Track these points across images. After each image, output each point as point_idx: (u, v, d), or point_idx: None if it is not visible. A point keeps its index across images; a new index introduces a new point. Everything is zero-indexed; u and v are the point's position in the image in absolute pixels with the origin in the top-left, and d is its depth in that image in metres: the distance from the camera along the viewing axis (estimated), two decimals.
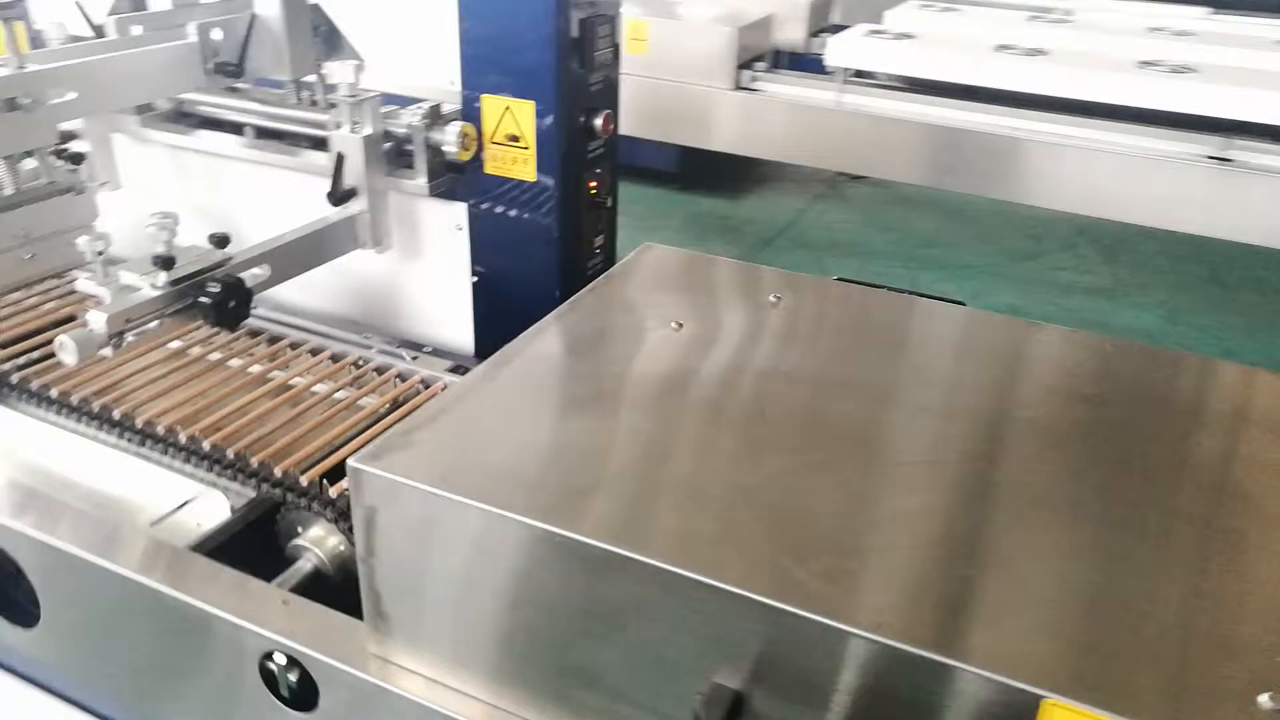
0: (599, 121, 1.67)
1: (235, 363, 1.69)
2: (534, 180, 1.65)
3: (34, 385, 1.53)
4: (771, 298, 1.33)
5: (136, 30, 1.77)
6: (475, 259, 1.76)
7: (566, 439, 1.03)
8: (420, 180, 1.62)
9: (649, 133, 3.86)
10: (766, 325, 1.27)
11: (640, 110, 3.90)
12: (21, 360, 1.62)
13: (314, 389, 1.63)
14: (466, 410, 1.07)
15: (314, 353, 1.73)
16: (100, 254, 1.34)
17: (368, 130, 1.59)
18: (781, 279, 1.41)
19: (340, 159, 1.58)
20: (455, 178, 1.69)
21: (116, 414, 1.45)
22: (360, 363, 1.71)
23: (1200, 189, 3.12)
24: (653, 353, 1.19)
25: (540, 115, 1.60)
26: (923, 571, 0.86)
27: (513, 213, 1.69)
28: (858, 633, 0.79)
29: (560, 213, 1.67)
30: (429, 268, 1.81)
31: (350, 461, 0.96)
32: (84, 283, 1.35)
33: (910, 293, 1.40)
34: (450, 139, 1.58)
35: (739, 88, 3.70)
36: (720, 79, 3.66)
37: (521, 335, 1.20)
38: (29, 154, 1.55)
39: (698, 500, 0.94)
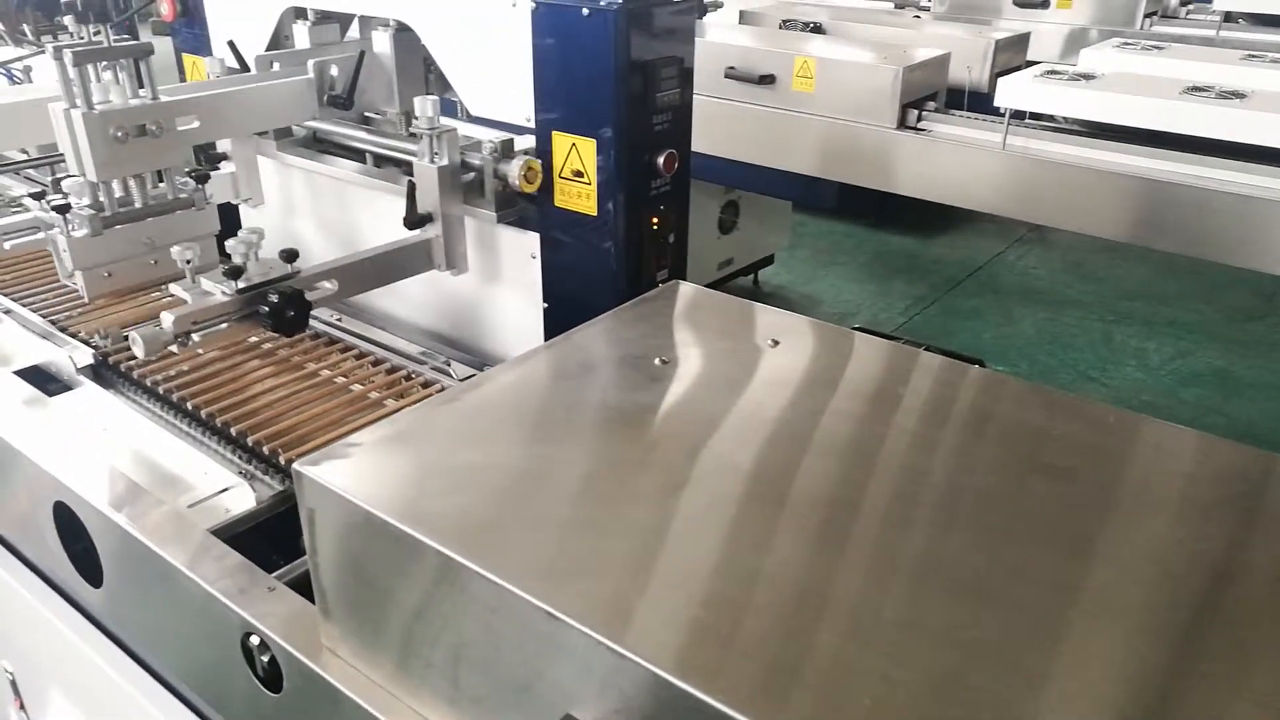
0: (661, 160, 1.71)
1: (340, 380, 1.84)
2: (596, 214, 1.71)
3: (135, 375, 1.77)
4: (769, 342, 1.32)
5: (275, 67, 1.98)
6: (546, 287, 1.84)
7: (491, 464, 1.08)
8: (489, 209, 1.73)
9: (812, 169, 3.84)
10: (749, 366, 1.26)
11: (804, 146, 3.89)
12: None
13: (385, 402, 1.76)
14: (413, 429, 1.14)
15: (395, 371, 1.87)
16: (189, 263, 1.53)
17: (444, 161, 1.71)
18: (797, 325, 1.39)
19: (412, 187, 1.71)
20: (527, 207, 1.78)
21: (189, 405, 1.66)
22: (429, 383, 1.83)
23: None
24: (621, 386, 1.21)
25: (601, 153, 1.66)
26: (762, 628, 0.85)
27: (578, 245, 1.76)
28: (681, 685, 0.79)
29: (619, 246, 1.72)
30: (507, 293, 1.91)
31: (294, 465, 1.06)
32: (174, 287, 1.54)
33: (928, 348, 1.34)
34: (514, 172, 1.67)
35: (904, 127, 3.61)
36: (884, 118, 3.59)
37: (503, 363, 1.26)
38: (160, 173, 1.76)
39: (586, 534, 0.96)
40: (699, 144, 4.23)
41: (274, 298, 1.50)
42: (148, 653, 1.49)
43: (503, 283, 1.90)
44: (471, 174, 1.77)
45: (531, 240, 1.82)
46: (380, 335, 2.00)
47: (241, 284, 1.51)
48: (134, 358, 1.85)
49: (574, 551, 0.95)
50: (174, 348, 1.46)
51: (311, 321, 2.00)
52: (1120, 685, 0.81)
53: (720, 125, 3.95)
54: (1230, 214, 3.08)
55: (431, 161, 1.72)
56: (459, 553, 0.93)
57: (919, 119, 3.61)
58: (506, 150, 1.72)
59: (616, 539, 0.96)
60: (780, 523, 0.98)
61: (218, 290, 1.51)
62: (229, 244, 1.56)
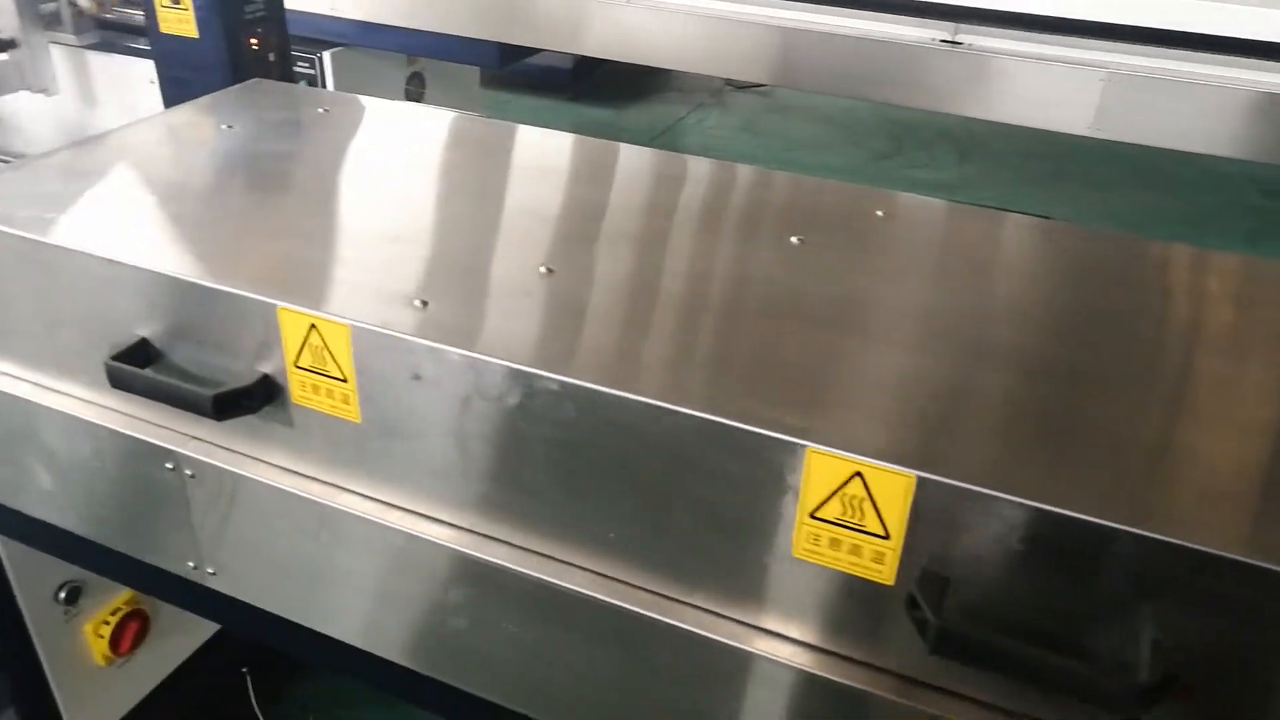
0: None
1: None
2: (199, 37, 2.01)
3: None
4: (320, 110, 1.70)
5: None
6: (167, 109, 2.12)
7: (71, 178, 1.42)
8: (69, 34, 2.00)
9: (469, 30, 4.17)
10: (299, 129, 1.65)
11: (466, 10, 4.21)
12: None
13: None
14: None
15: None
16: None
17: None
18: (359, 105, 1.78)
19: None
20: (129, 36, 2.06)
21: None
22: None
23: (936, 70, 3.47)
24: (187, 141, 1.57)
25: None
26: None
27: (187, 67, 2.05)
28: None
29: (224, 65, 2.03)
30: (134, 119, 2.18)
31: None
32: None
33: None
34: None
35: None
36: None
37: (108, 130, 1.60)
38: None
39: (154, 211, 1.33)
40: (379, 13, 4.45)
41: None
42: None
43: (127, 111, 2.17)
44: (54, 4, 2.02)
45: (147, 67, 2.09)
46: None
47: None
48: None
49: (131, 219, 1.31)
50: None
51: None
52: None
53: None
54: (844, 54, 3.69)
55: None
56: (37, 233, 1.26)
57: None
58: None
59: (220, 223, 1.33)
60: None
61: None
62: None
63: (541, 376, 1.00)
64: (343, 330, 1.10)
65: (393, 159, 1.55)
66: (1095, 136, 3.30)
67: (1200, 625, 0.80)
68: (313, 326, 1.12)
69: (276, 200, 1.40)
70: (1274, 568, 0.76)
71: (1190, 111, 3.25)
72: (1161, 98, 3.30)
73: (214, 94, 1.78)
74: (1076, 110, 3.30)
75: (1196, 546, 0.78)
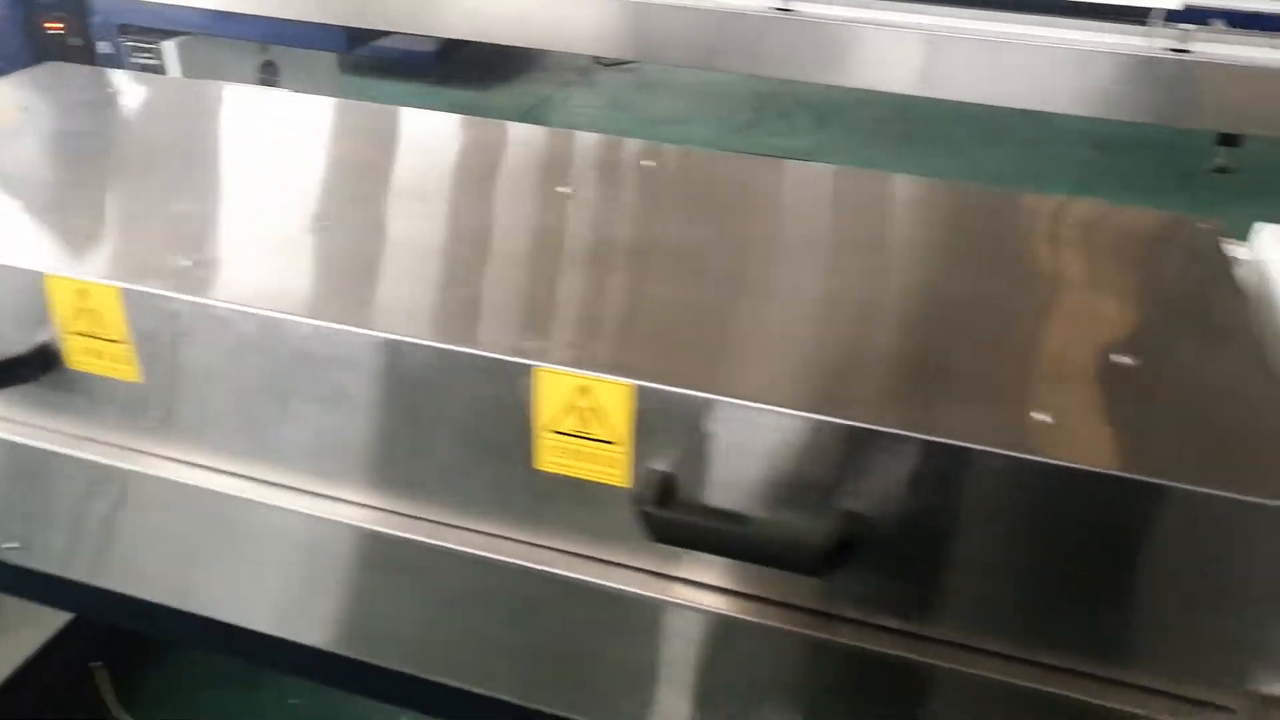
0: None
1: None
2: None
3: None
4: (113, 90, 1.71)
5: None
6: None
7: None
8: None
9: (312, 15, 4.12)
10: (90, 109, 1.65)
11: None
12: None
13: None
14: None
15: None
16: None
17: None
18: (157, 85, 1.79)
19: None
20: None
21: None
22: None
23: (773, 38, 3.59)
24: None
25: None
26: None
27: None
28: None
29: (20, 51, 2.00)
30: None
31: None
32: None
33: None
34: None
35: None
36: None
37: None
38: None
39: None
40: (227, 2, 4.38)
41: None
42: None
43: None
44: None
45: None
46: None
47: None
48: None
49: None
50: None
51: None
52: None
53: None
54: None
55: None
56: None
57: None
58: None
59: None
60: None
61: None
62: None
63: (295, 322, 1.05)
64: (112, 292, 1.13)
65: (183, 133, 1.57)
66: (919, 95, 3.47)
67: (879, 495, 0.90)
68: (82, 291, 1.14)
69: (55, 177, 1.41)
70: (930, 439, 0.87)
71: (1014, 70, 3.42)
72: (981, 57, 3.47)
73: (3, 77, 1.76)
74: (900, 71, 3.45)
75: (868, 425, 0.88)
